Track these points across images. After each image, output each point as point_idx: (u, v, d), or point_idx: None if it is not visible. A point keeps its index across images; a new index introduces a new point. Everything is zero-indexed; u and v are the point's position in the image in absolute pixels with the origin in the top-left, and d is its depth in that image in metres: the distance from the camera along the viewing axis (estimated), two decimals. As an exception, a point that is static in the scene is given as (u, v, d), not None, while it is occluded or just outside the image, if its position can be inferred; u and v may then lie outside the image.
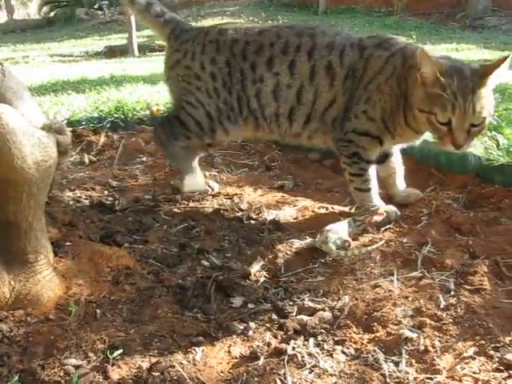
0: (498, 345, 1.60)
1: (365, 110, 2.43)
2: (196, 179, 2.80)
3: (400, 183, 2.69)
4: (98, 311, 1.79)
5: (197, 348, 1.65)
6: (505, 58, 2.14)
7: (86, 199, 2.76)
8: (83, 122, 3.82)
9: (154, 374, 1.52)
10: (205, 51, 2.59)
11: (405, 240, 2.25)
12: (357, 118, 2.44)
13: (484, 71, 2.16)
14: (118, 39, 13.43)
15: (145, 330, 1.72)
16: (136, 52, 10.71)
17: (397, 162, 2.68)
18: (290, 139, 2.66)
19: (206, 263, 2.11)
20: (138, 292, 1.91)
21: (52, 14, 18.49)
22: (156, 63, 8.29)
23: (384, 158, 2.66)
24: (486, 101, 2.16)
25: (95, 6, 18.20)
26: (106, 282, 1.95)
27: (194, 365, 1.58)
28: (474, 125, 2.15)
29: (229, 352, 1.65)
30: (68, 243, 2.12)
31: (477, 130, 2.18)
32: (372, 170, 2.52)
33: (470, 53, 8.89)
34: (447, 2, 14.12)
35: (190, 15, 15.96)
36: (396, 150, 2.68)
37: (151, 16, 2.75)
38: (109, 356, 1.59)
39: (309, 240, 2.26)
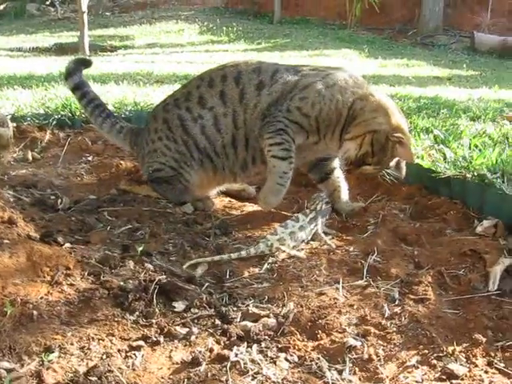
0: (441, 354, 1.61)
1: (299, 106, 2.55)
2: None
3: (344, 197, 2.72)
4: (34, 312, 1.71)
5: (137, 352, 1.60)
6: None
7: (28, 197, 2.66)
8: (28, 118, 3.70)
9: (91, 378, 1.46)
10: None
11: (351, 248, 2.25)
12: (289, 112, 2.54)
13: None
14: (69, 37, 13.18)
15: (83, 333, 1.65)
16: (87, 51, 10.53)
17: (340, 177, 2.75)
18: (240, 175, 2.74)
19: (149, 266, 2.05)
20: (78, 293, 1.83)
21: (1, 7, 18.01)
22: (107, 63, 8.19)
23: (326, 176, 2.74)
24: None
25: (47, 2, 17.84)
26: (45, 283, 1.86)
27: (134, 370, 1.53)
28: None
29: (170, 357, 1.60)
30: (6, 241, 2.02)
31: None
32: (293, 146, 2.56)
33: (419, 69, 9.11)
34: (400, 18, 14.45)
35: (144, 17, 15.84)
36: (337, 167, 2.75)
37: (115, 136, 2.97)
38: (44, 359, 1.52)
39: (262, 244, 2.22)
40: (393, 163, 2.53)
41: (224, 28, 13.74)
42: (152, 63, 8.42)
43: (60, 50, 11.34)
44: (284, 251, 2.19)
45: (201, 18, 15.15)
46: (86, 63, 3.16)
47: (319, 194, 2.48)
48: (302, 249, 2.28)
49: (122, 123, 2.98)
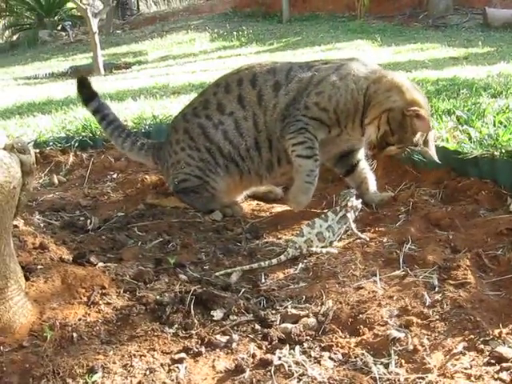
0: (488, 338, 1.57)
1: (317, 101, 2.55)
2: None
3: (372, 188, 2.70)
4: (74, 334, 1.71)
5: (179, 365, 1.59)
6: None
7: (57, 220, 2.69)
8: (50, 143, 3.74)
9: (136, 395, 1.45)
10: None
11: (385, 239, 2.22)
12: (307, 109, 2.54)
13: None
14: (83, 59, 13.33)
15: (124, 351, 1.65)
16: (102, 70, 10.64)
17: (365, 169, 2.73)
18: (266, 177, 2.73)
19: (183, 277, 2.05)
20: (115, 311, 1.84)
21: (15, 37, 18.31)
22: (122, 81, 8.26)
23: (352, 168, 2.73)
24: None
25: (58, 28, 18.08)
26: (81, 304, 1.87)
27: (178, 383, 1.52)
28: None
29: (213, 367, 1.59)
30: (39, 266, 2.04)
31: None
32: (316, 143, 2.56)
33: (434, 51, 8.99)
34: (409, 3, 14.30)
35: (155, 31, 15.94)
36: (362, 159, 2.72)
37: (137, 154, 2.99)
38: (88, 380, 1.52)
39: (290, 248, 2.20)
40: (418, 139, 2.46)
41: (234, 33, 13.75)
42: (167, 75, 8.46)
43: (75, 72, 11.45)
44: (315, 252, 2.16)
45: (210, 26, 15.18)
46: (85, 82, 3.11)
47: (349, 190, 2.43)
48: (333, 246, 2.25)
49: (142, 140, 2.99)
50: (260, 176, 2.71)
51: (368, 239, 2.25)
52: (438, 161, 2.51)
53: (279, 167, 2.69)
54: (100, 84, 7.90)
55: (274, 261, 2.12)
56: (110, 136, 3.05)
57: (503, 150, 2.50)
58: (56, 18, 18.39)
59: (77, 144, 3.69)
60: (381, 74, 2.57)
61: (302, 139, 2.53)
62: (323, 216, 2.28)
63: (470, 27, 12.56)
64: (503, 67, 5.84)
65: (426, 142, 2.49)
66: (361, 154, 2.71)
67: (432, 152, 2.50)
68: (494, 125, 2.93)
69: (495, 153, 2.51)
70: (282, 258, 2.14)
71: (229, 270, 2.08)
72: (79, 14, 14.19)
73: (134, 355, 1.63)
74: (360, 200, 2.41)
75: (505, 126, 2.84)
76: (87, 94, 3.05)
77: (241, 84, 2.65)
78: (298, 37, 12.56)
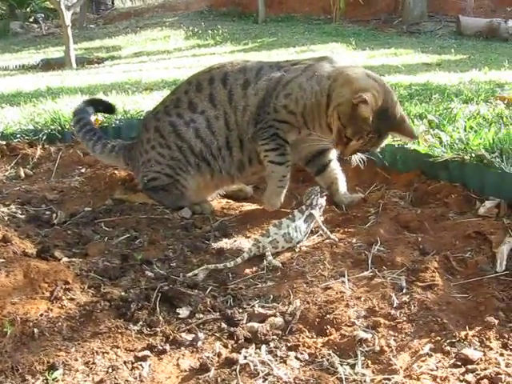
0: (454, 340, 1.57)
1: (285, 104, 2.52)
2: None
3: (342, 189, 2.69)
4: (35, 330, 1.67)
5: (143, 363, 1.56)
6: None
7: (22, 214, 2.63)
8: (18, 135, 3.66)
9: (97, 393, 1.42)
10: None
11: (354, 240, 2.21)
12: (276, 112, 2.53)
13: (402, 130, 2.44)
14: (55, 52, 13.17)
15: (86, 348, 1.61)
16: (74, 64, 10.52)
17: (336, 169, 2.71)
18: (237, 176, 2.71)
19: (150, 274, 2.01)
20: (79, 307, 1.79)
21: (-16, 28, 18.00)
22: (94, 75, 8.16)
23: (323, 167, 2.71)
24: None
25: (30, 20, 17.82)
26: (44, 299, 1.82)
27: (141, 381, 1.49)
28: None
29: (177, 365, 1.56)
30: (1, 260, 1.99)
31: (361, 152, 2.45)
32: (288, 149, 2.57)
33: (408, 57, 9.09)
34: (384, 8, 14.44)
35: (129, 27, 15.82)
36: (334, 159, 2.71)
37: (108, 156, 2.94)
38: (48, 377, 1.48)
39: (253, 247, 2.17)
40: (380, 127, 2.38)
41: (209, 31, 13.72)
42: (140, 71, 8.39)
43: (47, 65, 11.32)
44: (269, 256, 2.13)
45: (186, 23, 15.12)
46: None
47: (313, 187, 2.42)
48: (300, 247, 2.24)
49: (113, 142, 2.95)
50: (231, 175, 2.69)
51: (337, 240, 2.24)
52: (416, 136, 2.53)
53: (250, 167, 2.67)
54: (71, 78, 7.80)
55: (239, 260, 2.09)
56: (81, 140, 3.01)
57: (473, 155, 2.52)
58: (28, 9, 18.11)
59: (45, 137, 3.62)
60: (338, 71, 2.52)
61: (274, 146, 2.54)
62: (290, 216, 2.26)
63: (443, 34, 12.73)
64: (475, 74, 5.91)
65: (400, 123, 2.43)
66: (332, 154, 2.70)
67: (409, 129, 2.47)
68: (465, 129, 2.96)
69: (465, 157, 2.53)
70: (245, 255, 2.11)
71: (196, 271, 2.04)
72: (52, 6, 13.97)
73: (97, 352, 1.60)
74: (325, 197, 2.40)
75: (475, 131, 2.87)
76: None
77: (212, 83, 2.63)
78: (273, 37, 12.58)
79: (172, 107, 2.69)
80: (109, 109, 3.27)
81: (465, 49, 10.39)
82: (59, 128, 3.72)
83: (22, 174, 3.25)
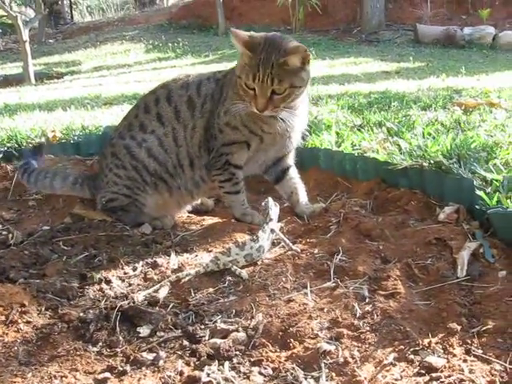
0: (418, 348, 1.57)
1: (226, 121, 2.54)
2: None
3: (303, 199, 2.69)
4: (-11, 356, 1.62)
5: (103, 386, 1.51)
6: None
7: (-23, 235, 2.55)
8: (-27, 153, 3.57)
9: (54, 420, 1.37)
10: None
11: (316, 251, 2.20)
12: (221, 133, 2.55)
13: (288, 51, 2.33)
14: (13, 68, 12.98)
15: (44, 372, 1.56)
16: (33, 80, 10.39)
17: (295, 178, 2.71)
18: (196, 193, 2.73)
19: (109, 293, 1.96)
20: (35, 330, 1.74)
21: None
22: (53, 91, 8.06)
23: (282, 174, 2.71)
24: (288, 75, 2.32)
25: (-13, 36, 17.56)
26: (-1, 323, 1.77)
27: (101, 405, 1.45)
28: (275, 93, 2.32)
29: (138, 386, 1.52)
30: (-47, 283, 1.93)
31: (280, 98, 2.34)
32: (240, 175, 2.62)
33: (367, 66, 9.20)
34: (343, 18, 14.63)
35: (89, 41, 15.70)
36: (292, 165, 2.72)
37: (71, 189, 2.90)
38: (3, 405, 1.43)
39: (211, 263, 2.13)
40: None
41: (170, 44, 13.70)
42: (100, 86, 8.32)
43: (5, 82, 11.13)
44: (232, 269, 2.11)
45: (146, 37, 15.07)
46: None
47: (266, 200, 2.38)
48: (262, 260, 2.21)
49: (73, 175, 2.95)
50: (190, 192, 2.70)
51: (299, 250, 2.22)
52: None
53: (205, 184, 2.70)
54: (29, 94, 7.69)
55: (192, 272, 2.06)
56: (34, 184, 2.96)
57: (431, 161, 2.53)
58: (-15, 25, 17.84)
59: (1, 155, 3.53)
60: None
61: (228, 176, 2.60)
62: (254, 237, 2.20)
63: (401, 43, 12.95)
64: (433, 81, 6.01)
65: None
66: (290, 160, 2.71)
67: None
68: (423, 136, 2.99)
69: (424, 163, 2.54)
70: (201, 270, 2.08)
71: (150, 290, 1.99)
72: (10, 21, 13.78)
73: (55, 376, 1.55)
74: (278, 206, 2.38)
75: (433, 138, 2.90)
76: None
77: (158, 103, 2.66)
78: (234, 49, 12.54)
79: (125, 132, 2.70)
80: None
81: (423, 56, 10.57)
82: (16, 146, 3.63)
83: (-22, 194, 3.16)
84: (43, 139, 3.73)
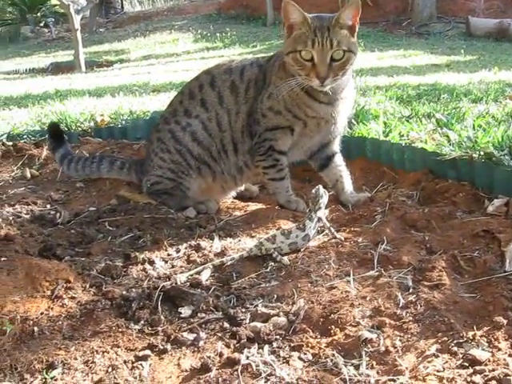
0: (461, 340, 1.53)
1: (270, 106, 2.53)
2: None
3: (348, 188, 2.67)
4: (35, 329, 1.66)
5: (144, 363, 1.53)
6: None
7: (27, 214, 2.61)
8: (24, 136, 3.66)
9: (96, 393, 1.40)
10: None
11: (360, 239, 2.18)
12: (265, 118, 2.54)
13: (338, 15, 2.36)
14: (64, 56, 13.23)
15: (86, 347, 1.59)
16: (83, 68, 10.56)
17: (341, 166, 2.69)
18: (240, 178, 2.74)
19: (152, 273, 1.99)
20: (79, 306, 1.78)
21: (-4, 32, 18.13)
22: (103, 78, 8.18)
23: (327, 161, 2.68)
24: (344, 38, 2.36)
25: (41, 24, 17.93)
26: (45, 298, 1.81)
27: (141, 381, 1.47)
28: (334, 59, 2.33)
29: (178, 365, 1.54)
30: (3, 258, 1.98)
31: (338, 65, 2.35)
32: (285, 161, 2.61)
33: (417, 58, 9.03)
34: (393, 10, 14.38)
35: (138, 30, 15.87)
36: (338, 152, 2.69)
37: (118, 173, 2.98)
38: (47, 377, 1.46)
39: (255, 247, 2.12)
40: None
41: (218, 34, 13.72)
42: (148, 74, 8.40)
43: (56, 69, 11.37)
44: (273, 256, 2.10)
45: (194, 26, 15.15)
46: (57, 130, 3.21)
47: (317, 189, 2.33)
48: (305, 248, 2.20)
49: (121, 159, 3.01)
50: (234, 177, 2.71)
51: (343, 239, 2.20)
52: None
53: (248, 170, 2.70)
54: (79, 81, 7.83)
55: (236, 256, 2.06)
56: (82, 170, 3.03)
57: (481, 153, 2.47)
58: (39, 14, 18.24)
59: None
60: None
61: (272, 162, 2.60)
62: (301, 226, 2.17)
63: (452, 35, 12.66)
64: (484, 75, 5.87)
65: None
66: (336, 146, 2.69)
67: None
68: (473, 128, 2.92)
69: (473, 155, 2.49)
70: (244, 254, 2.08)
71: (193, 271, 2.00)
72: (62, 10, 14.04)
73: (97, 351, 1.58)
74: (327, 194, 2.34)
75: (484, 130, 2.83)
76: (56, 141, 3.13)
77: (202, 88, 2.67)
78: (282, 40, 12.53)
79: (170, 117, 2.73)
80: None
81: (474, 50, 10.32)
82: (65, 129, 3.71)
83: (28, 175, 3.24)
84: (92, 123, 3.79)
